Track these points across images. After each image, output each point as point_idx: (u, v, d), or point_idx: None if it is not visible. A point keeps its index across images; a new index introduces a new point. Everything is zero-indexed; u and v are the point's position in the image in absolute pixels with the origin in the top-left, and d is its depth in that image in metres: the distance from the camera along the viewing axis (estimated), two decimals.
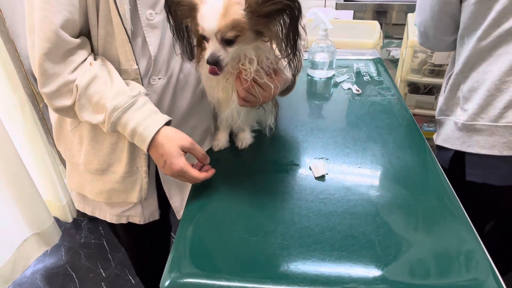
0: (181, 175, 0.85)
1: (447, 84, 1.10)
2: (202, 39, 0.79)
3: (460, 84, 1.03)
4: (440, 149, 1.12)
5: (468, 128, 1.00)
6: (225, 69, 0.81)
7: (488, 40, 0.93)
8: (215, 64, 0.78)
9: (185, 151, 0.85)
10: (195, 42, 0.84)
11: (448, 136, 1.07)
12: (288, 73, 0.90)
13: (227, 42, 0.76)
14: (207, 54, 0.77)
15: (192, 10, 0.76)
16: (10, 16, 1.50)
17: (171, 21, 0.80)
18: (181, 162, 0.83)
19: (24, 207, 1.69)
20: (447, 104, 1.09)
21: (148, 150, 0.84)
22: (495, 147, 0.95)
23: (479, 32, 0.95)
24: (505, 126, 0.93)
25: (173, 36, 0.82)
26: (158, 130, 0.83)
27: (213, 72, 0.80)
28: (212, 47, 0.77)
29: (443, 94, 1.12)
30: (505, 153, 0.94)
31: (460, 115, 1.02)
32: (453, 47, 1.11)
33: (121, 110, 0.81)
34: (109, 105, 0.81)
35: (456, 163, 1.06)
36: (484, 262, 0.69)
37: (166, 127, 0.85)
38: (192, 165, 0.86)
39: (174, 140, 0.83)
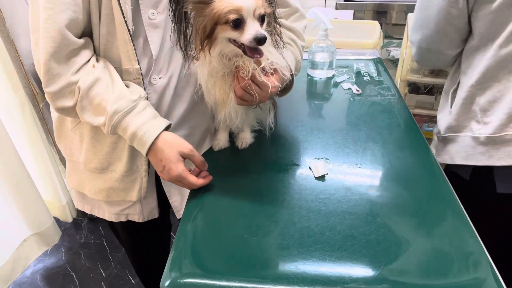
0: (179, 181, 0.85)
1: (452, 100, 1.06)
2: (235, 26, 0.76)
3: (474, 97, 0.99)
4: (457, 167, 1.06)
5: (495, 141, 0.95)
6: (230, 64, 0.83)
7: (511, 47, 0.90)
8: (264, 41, 0.76)
9: (184, 157, 0.85)
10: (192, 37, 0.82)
11: (468, 154, 1.01)
12: (286, 73, 0.90)
13: (261, 20, 0.78)
14: (249, 35, 0.76)
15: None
16: (10, 16, 1.50)
17: (172, 6, 0.77)
18: (179, 168, 0.83)
19: (24, 207, 1.69)
20: (458, 120, 1.03)
21: (147, 154, 0.85)
22: None
23: (499, 40, 0.92)
24: None
25: (172, 25, 0.80)
26: (158, 135, 0.83)
27: (258, 54, 0.79)
28: (253, 26, 0.76)
29: (450, 110, 1.07)
30: None
31: (479, 129, 0.98)
32: (452, 62, 1.10)
33: (121, 114, 0.82)
34: (109, 109, 0.81)
35: (478, 175, 1.01)
36: (484, 262, 0.69)
37: (165, 132, 0.85)
38: (190, 170, 0.86)
39: (173, 146, 0.84)
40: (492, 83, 0.95)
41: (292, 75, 0.94)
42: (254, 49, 0.78)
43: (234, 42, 0.79)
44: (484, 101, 0.97)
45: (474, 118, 1.00)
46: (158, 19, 0.86)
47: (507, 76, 0.92)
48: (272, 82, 0.86)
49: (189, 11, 0.77)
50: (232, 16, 0.75)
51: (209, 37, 0.78)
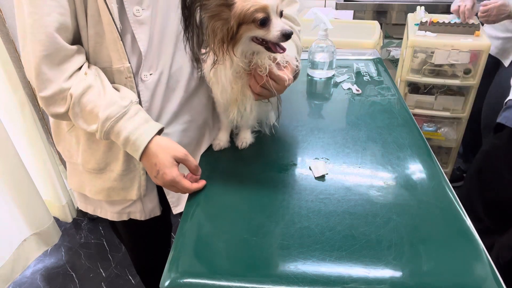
0: (173, 185, 0.85)
1: None
2: (262, 24, 0.77)
3: None
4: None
5: None
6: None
7: None
8: (291, 35, 0.78)
9: (178, 161, 0.85)
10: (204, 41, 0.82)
11: None
12: (295, 62, 0.91)
13: (280, 16, 0.80)
14: (277, 31, 0.77)
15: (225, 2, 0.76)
16: (10, 16, 1.51)
17: (185, 14, 0.78)
18: (173, 173, 0.83)
19: (24, 207, 1.69)
20: None
21: (140, 159, 0.85)
22: None
23: None
24: None
25: (185, 34, 0.81)
26: (151, 139, 0.84)
27: (282, 49, 0.81)
28: (278, 23, 0.78)
29: None
30: None
31: None
32: None
33: (113, 119, 0.82)
34: (101, 115, 0.81)
35: None
36: (484, 262, 0.69)
37: (158, 136, 0.86)
38: (184, 176, 0.86)
39: (167, 150, 0.84)
40: None
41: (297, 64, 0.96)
42: (277, 44, 0.80)
43: (256, 40, 0.80)
44: None
45: None
46: (143, 15, 0.86)
47: None
48: (288, 76, 0.87)
49: (201, 16, 0.77)
50: (260, 15, 0.76)
51: (232, 38, 0.79)
